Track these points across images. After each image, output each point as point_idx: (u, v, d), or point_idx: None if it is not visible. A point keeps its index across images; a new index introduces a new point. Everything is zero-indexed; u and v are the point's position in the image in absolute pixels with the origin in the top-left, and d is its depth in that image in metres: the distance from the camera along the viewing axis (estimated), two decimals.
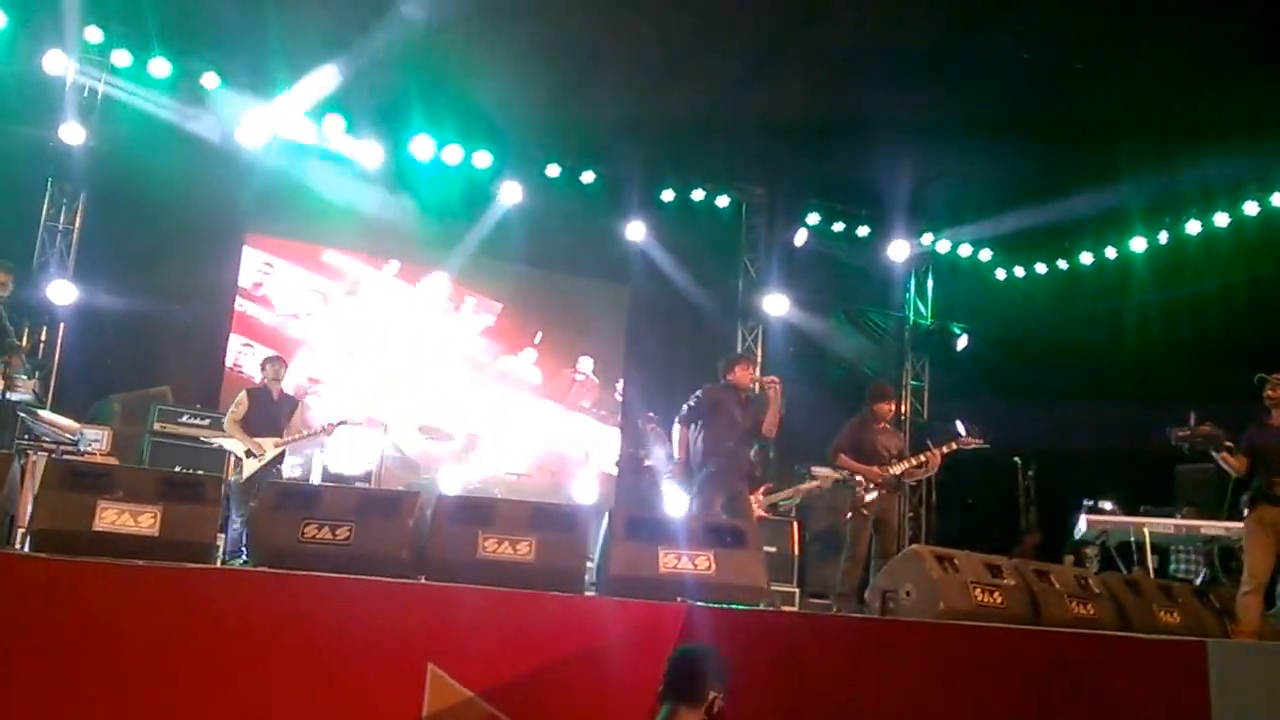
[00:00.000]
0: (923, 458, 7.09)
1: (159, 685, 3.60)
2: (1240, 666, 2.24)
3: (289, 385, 8.15)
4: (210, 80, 9.15)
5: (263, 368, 7.80)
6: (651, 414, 9.28)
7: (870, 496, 6.84)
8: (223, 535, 6.35)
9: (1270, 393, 6.22)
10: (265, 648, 3.74)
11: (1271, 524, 6.02)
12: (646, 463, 9.11)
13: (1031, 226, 11.16)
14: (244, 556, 5.94)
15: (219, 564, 5.31)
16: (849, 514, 6.96)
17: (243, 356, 9.74)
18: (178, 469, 7.37)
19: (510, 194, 10.47)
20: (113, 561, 3.84)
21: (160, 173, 8.88)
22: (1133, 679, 2.45)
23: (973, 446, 7.26)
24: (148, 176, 8.85)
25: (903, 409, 12.23)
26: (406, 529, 4.57)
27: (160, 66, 8.89)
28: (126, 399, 8.39)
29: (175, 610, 3.72)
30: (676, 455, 6.87)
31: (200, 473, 7.08)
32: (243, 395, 7.57)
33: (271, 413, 7.49)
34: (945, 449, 7.20)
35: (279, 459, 7.41)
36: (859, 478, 6.92)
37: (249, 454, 7.27)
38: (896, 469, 6.96)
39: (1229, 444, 6.26)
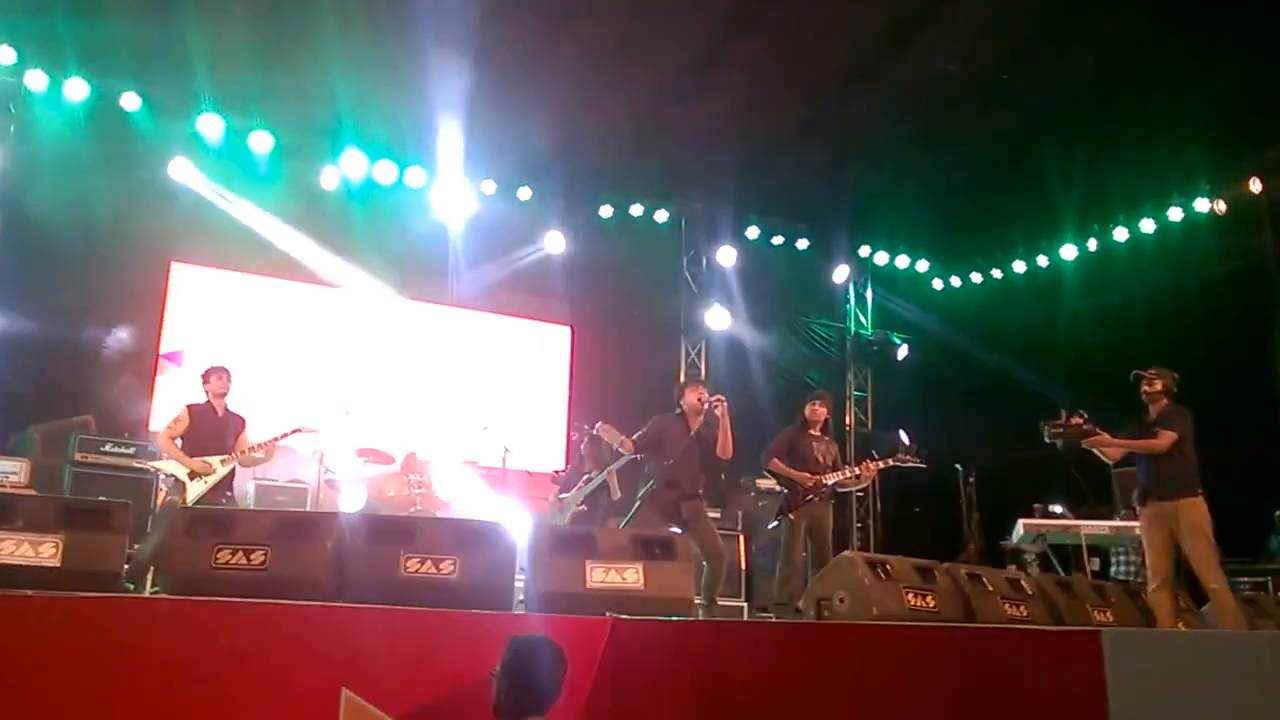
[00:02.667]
0: (858, 470, 7.10)
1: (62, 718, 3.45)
2: (1134, 654, 2.23)
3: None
4: (130, 101, 8.91)
5: (205, 380, 6.98)
6: (585, 425, 9.25)
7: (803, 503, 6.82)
8: None
9: (1146, 388, 6.31)
10: (173, 678, 3.59)
11: (1161, 518, 6.09)
12: (585, 477, 9.00)
13: (966, 236, 11.35)
14: None
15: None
16: (775, 521, 6.94)
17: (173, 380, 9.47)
18: (101, 499, 7.07)
19: (448, 212, 10.38)
20: (9, 593, 3.67)
21: (80, 195, 8.59)
22: (1033, 670, 2.43)
23: (910, 464, 7.28)
24: (67, 199, 8.54)
25: (846, 419, 12.34)
26: (325, 551, 4.44)
27: (77, 88, 8.64)
28: (46, 429, 8.04)
29: (79, 642, 3.55)
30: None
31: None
32: (182, 411, 6.88)
33: (216, 430, 6.82)
34: (882, 463, 7.24)
35: (229, 480, 6.81)
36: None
37: (193, 475, 6.63)
38: (830, 478, 6.93)
39: (1099, 433, 6.31)
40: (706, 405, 6.55)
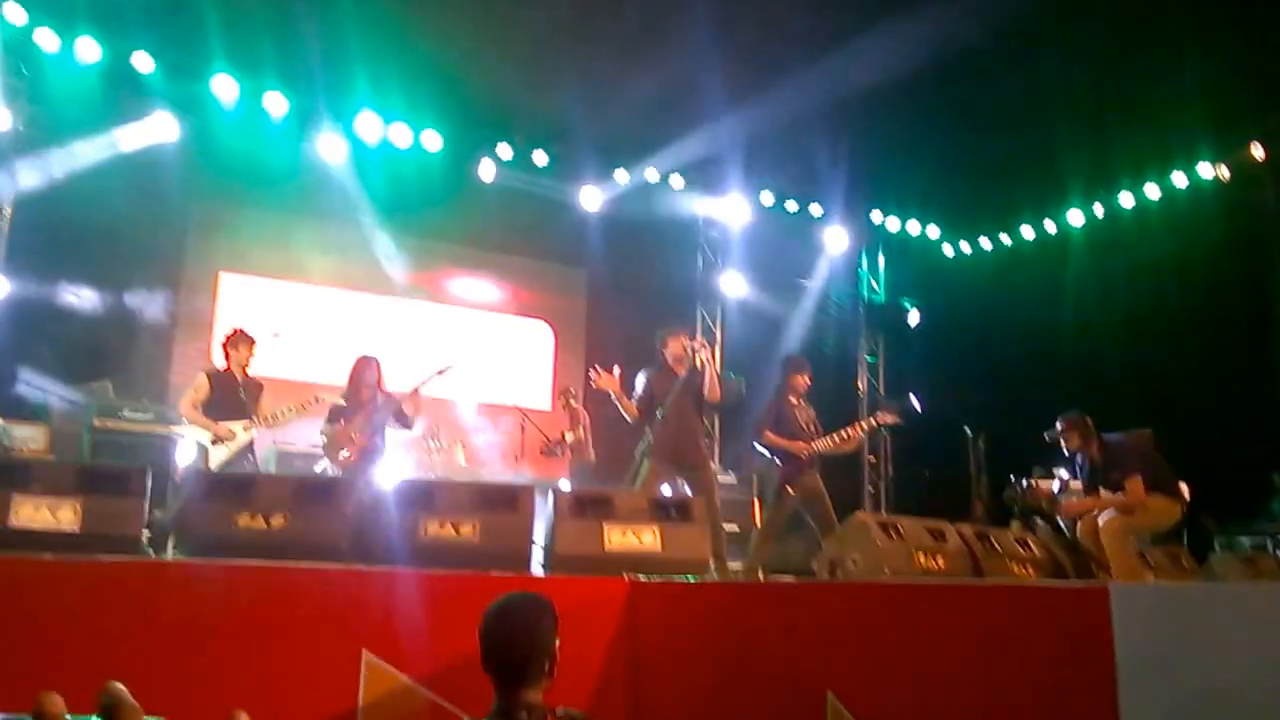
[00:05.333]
0: (844, 433, 7.09)
1: (82, 681, 3.48)
2: (1141, 608, 2.25)
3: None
4: (143, 62, 8.79)
5: (225, 347, 7.07)
6: (569, 388, 9.38)
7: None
8: None
9: (1067, 447, 6.32)
10: (194, 640, 3.63)
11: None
12: (568, 437, 9.14)
13: (976, 203, 11.26)
14: None
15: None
16: (779, 491, 6.92)
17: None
18: (119, 464, 7.10)
19: (465, 175, 10.34)
20: (29, 556, 3.72)
21: (96, 158, 8.62)
22: (1042, 625, 2.46)
23: (888, 423, 7.45)
24: (83, 162, 8.57)
25: (859, 384, 12.38)
26: (344, 515, 4.49)
27: (88, 48, 8.49)
28: (66, 393, 8.15)
29: (98, 604, 3.60)
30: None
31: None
32: (201, 378, 6.96)
33: (237, 398, 6.89)
34: (866, 424, 7.32)
35: (251, 445, 6.91)
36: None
37: (216, 441, 6.72)
38: (820, 445, 6.95)
39: (1066, 504, 6.39)
40: (689, 352, 6.59)
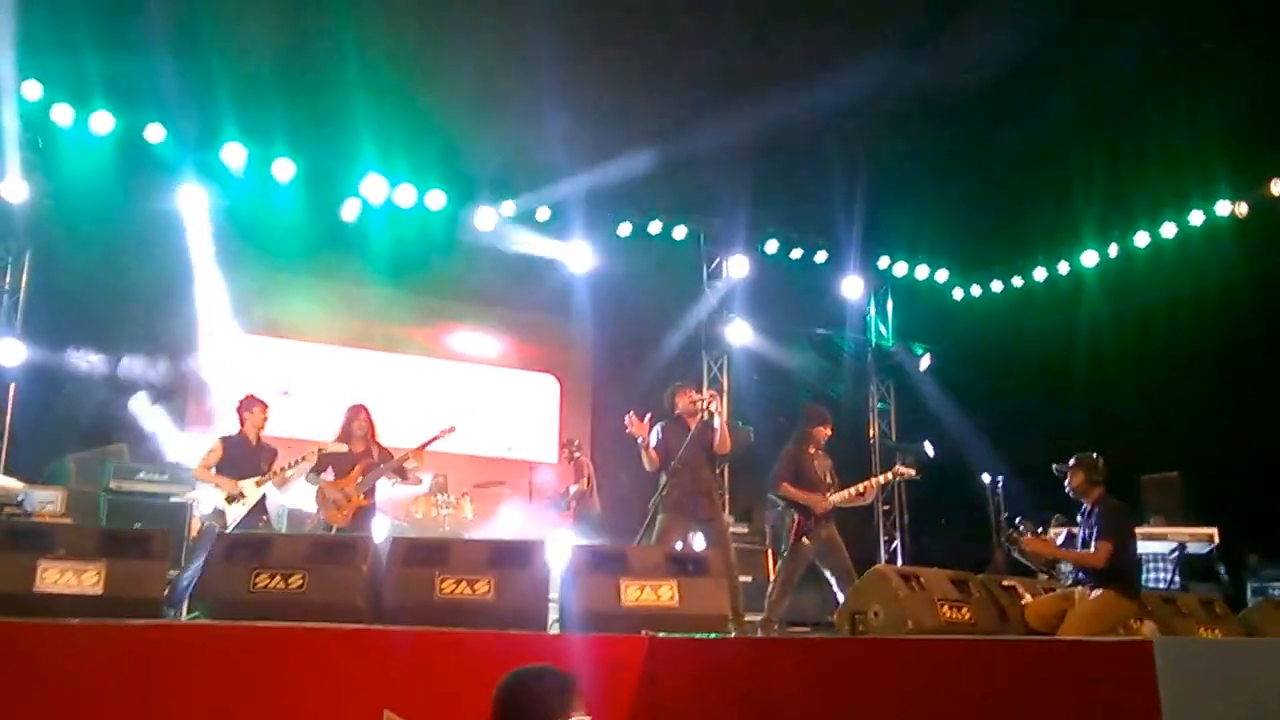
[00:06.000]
0: (861, 487, 7.00)
1: None
2: (1186, 663, 2.22)
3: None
4: (155, 133, 9.00)
5: (245, 410, 7.10)
6: (574, 440, 9.40)
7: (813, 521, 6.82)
8: None
9: (1069, 484, 6.08)
10: (216, 702, 3.63)
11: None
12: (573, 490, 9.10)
13: (986, 245, 11.31)
14: None
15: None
16: (794, 541, 6.81)
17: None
18: (137, 527, 7.12)
19: (468, 232, 10.47)
20: (55, 622, 3.72)
21: (111, 227, 8.77)
22: (1083, 681, 2.43)
23: (906, 476, 7.35)
24: (98, 231, 8.70)
25: (870, 431, 12.31)
26: (361, 574, 4.49)
27: (103, 121, 8.74)
28: (81, 458, 8.16)
29: (122, 668, 3.61)
30: None
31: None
32: (215, 442, 7.02)
33: (250, 460, 6.94)
34: (883, 478, 7.28)
35: (263, 503, 6.90)
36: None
37: (231, 499, 6.72)
38: (836, 498, 6.88)
39: (1036, 543, 6.26)
40: (699, 405, 6.63)
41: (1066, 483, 6.04)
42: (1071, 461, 6.02)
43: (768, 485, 7.12)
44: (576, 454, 9.38)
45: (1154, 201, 10.53)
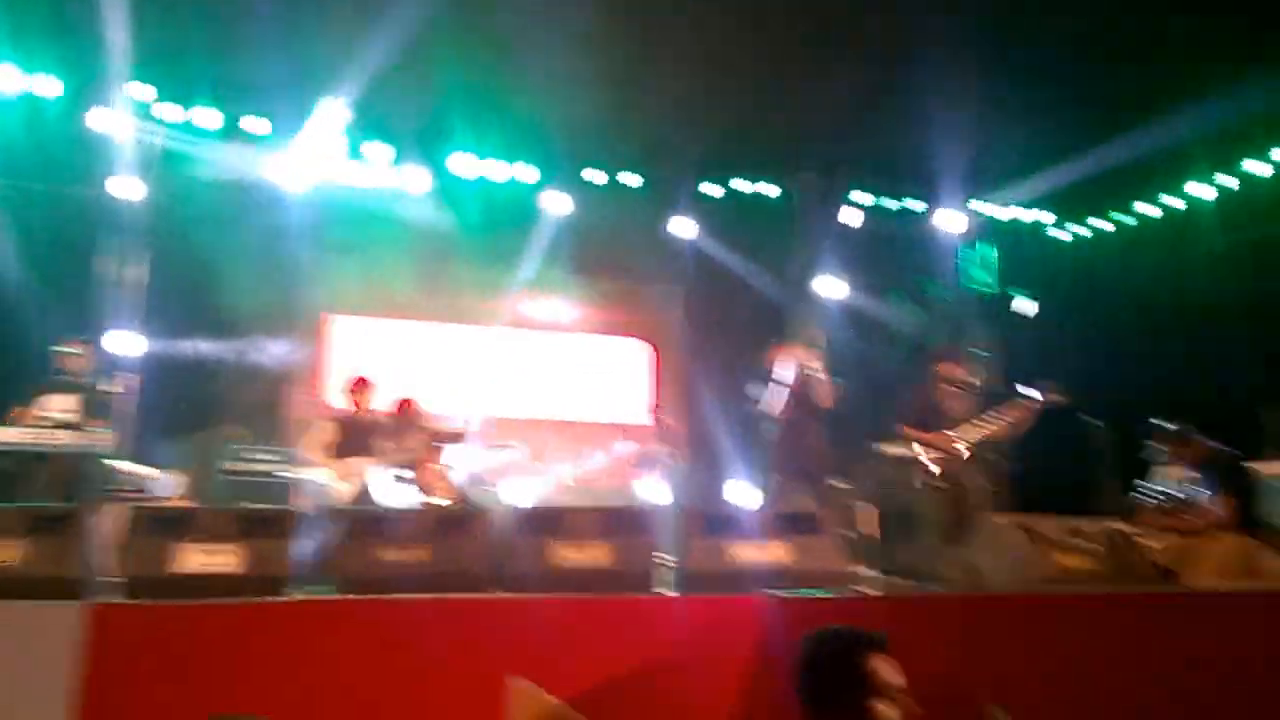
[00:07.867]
0: (1001, 420, 6.76)
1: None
2: None
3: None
4: (254, 125, 9.33)
5: (355, 391, 7.50)
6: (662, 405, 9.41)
7: (937, 468, 6.65)
8: None
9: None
10: (350, 673, 3.79)
11: None
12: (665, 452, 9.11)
13: (1088, 182, 10.84)
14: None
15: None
16: (921, 488, 6.74)
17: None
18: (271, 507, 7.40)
19: (558, 205, 10.55)
20: (199, 602, 3.92)
21: (221, 219, 9.19)
22: (1238, 631, 2.35)
23: (1053, 401, 6.92)
24: (209, 224, 9.13)
25: (976, 379, 12.02)
26: (483, 544, 4.61)
27: (208, 117, 9.13)
28: (200, 440, 8.57)
29: (261, 644, 3.79)
30: None
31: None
32: (326, 423, 7.40)
33: (361, 439, 7.27)
34: (1027, 407, 6.87)
35: (372, 483, 7.22)
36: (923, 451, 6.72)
37: (341, 479, 7.06)
38: (973, 435, 6.69)
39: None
40: (799, 364, 6.57)
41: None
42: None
43: (879, 435, 7.01)
44: (666, 417, 9.44)
45: (1272, 126, 9.91)
